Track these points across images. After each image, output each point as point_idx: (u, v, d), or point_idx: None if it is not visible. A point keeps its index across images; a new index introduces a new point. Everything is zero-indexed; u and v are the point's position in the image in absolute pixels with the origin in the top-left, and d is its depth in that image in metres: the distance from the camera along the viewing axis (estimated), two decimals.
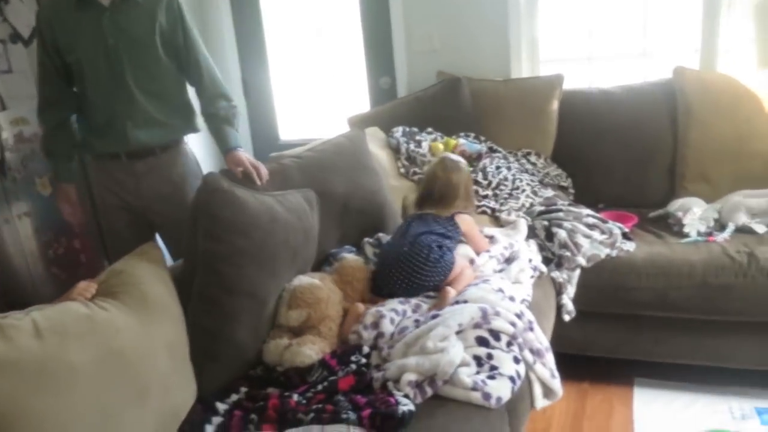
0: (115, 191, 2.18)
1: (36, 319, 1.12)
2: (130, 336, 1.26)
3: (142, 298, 1.35)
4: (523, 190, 2.48)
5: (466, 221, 2.02)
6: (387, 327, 1.65)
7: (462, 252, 1.96)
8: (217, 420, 1.38)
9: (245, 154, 2.04)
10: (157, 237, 2.32)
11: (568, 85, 2.74)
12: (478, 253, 2.00)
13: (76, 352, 1.14)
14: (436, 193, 2.03)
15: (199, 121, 2.27)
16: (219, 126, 2.15)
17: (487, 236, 2.08)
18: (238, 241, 1.57)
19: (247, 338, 1.59)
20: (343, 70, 3.34)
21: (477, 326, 1.56)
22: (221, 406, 1.43)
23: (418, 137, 2.66)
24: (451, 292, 1.76)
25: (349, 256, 1.93)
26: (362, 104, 3.26)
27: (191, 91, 2.24)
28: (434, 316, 1.62)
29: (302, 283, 1.70)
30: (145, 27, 2.01)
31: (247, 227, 1.59)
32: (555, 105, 2.71)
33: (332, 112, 3.39)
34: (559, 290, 2.09)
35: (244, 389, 1.50)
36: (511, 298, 1.72)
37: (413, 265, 1.81)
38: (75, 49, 2.03)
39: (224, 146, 2.12)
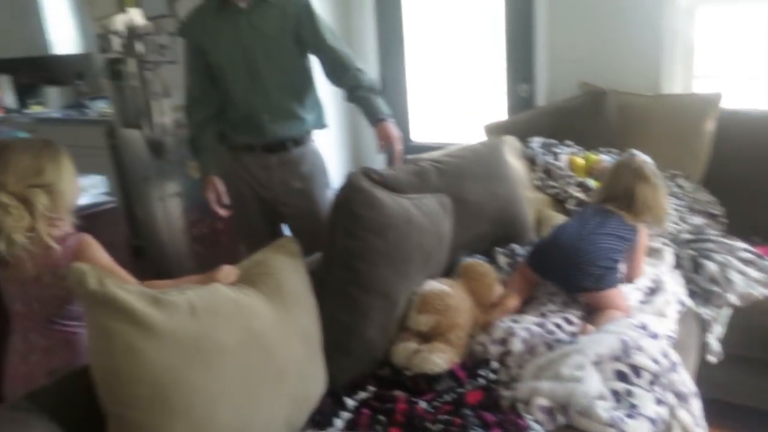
0: (248, 182, 2.31)
1: (192, 299, 1.20)
2: (268, 321, 1.32)
3: (278, 287, 1.40)
4: (669, 216, 2.33)
5: (643, 239, 1.93)
6: (516, 346, 1.61)
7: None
8: (345, 415, 1.42)
9: (394, 127, 2.09)
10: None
11: (726, 104, 2.53)
12: (630, 279, 1.91)
13: (225, 331, 1.21)
14: (636, 198, 1.90)
15: (328, 117, 2.38)
16: (365, 95, 2.18)
17: None
18: (374, 240, 1.60)
19: (377, 336, 1.62)
20: (481, 74, 3.31)
21: (616, 359, 1.48)
22: (350, 402, 1.47)
23: (556, 149, 2.58)
24: (590, 329, 1.69)
25: (470, 258, 1.92)
26: (498, 110, 3.21)
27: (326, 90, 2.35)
28: (571, 342, 1.56)
29: (433, 288, 1.70)
30: (276, 25, 2.13)
31: (383, 227, 1.62)
32: (710, 125, 2.52)
33: (466, 116, 3.37)
34: (705, 328, 1.94)
35: (372, 388, 1.53)
36: (654, 336, 1.62)
37: (578, 263, 1.77)
38: (215, 49, 2.19)
39: (374, 116, 2.14)
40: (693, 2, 2.67)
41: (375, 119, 2.12)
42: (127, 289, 1.11)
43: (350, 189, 1.63)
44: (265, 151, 2.25)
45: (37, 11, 4.43)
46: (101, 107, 4.21)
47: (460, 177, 1.97)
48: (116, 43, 3.17)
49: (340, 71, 2.19)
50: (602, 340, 1.52)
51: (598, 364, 1.47)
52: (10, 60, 4.78)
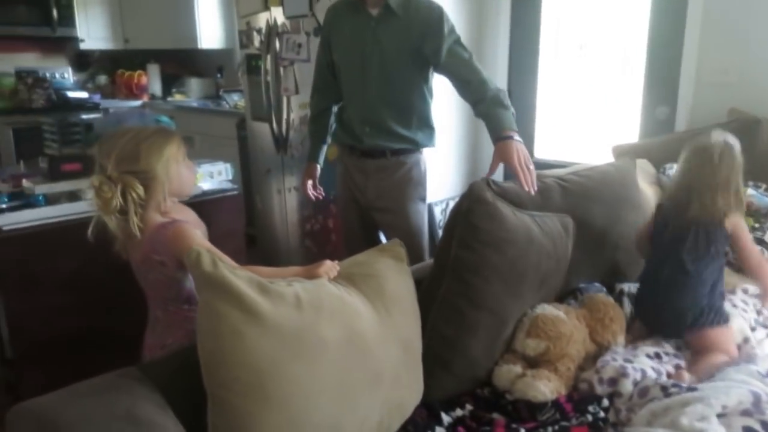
0: (348, 184, 2.34)
1: (298, 291, 1.21)
2: (369, 322, 1.30)
3: (380, 290, 1.37)
4: None
5: (740, 226, 1.66)
6: (627, 388, 1.49)
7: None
8: (440, 430, 1.37)
9: (520, 145, 1.81)
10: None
11: None
12: (752, 271, 1.71)
13: (327, 327, 1.21)
14: (701, 188, 1.66)
15: (438, 140, 2.30)
16: (488, 110, 1.94)
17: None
18: (491, 255, 1.55)
19: (481, 355, 1.56)
20: (615, 92, 3.13)
21: (746, 413, 1.33)
22: (446, 418, 1.42)
23: None
24: (685, 376, 1.53)
25: (601, 294, 1.79)
26: (630, 132, 3.02)
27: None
28: (690, 389, 1.41)
29: (546, 312, 1.61)
30: (399, 40, 2.08)
31: (502, 243, 1.56)
32: None
33: (595, 136, 3.20)
34: None
35: (469, 407, 1.47)
36: None
37: (668, 293, 1.68)
38: (339, 49, 2.22)
39: (495, 132, 1.88)
40: None
41: (496, 136, 1.87)
42: (237, 274, 1.13)
43: (472, 200, 1.58)
44: (364, 155, 2.25)
45: (190, 7, 4.77)
46: (235, 100, 4.45)
47: (585, 198, 1.86)
48: (256, 39, 3.33)
49: (464, 85, 2.07)
50: (729, 390, 1.37)
51: (723, 417, 1.32)
52: (160, 51, 5.21)
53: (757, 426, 1.30)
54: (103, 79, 5.26)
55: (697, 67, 2.73)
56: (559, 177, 1.89)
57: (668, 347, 1.69)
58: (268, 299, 1.14)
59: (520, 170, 1.73)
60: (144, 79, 5.22)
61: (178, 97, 5.17)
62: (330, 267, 1.39)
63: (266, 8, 3.23)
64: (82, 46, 4.92)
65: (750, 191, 2.28)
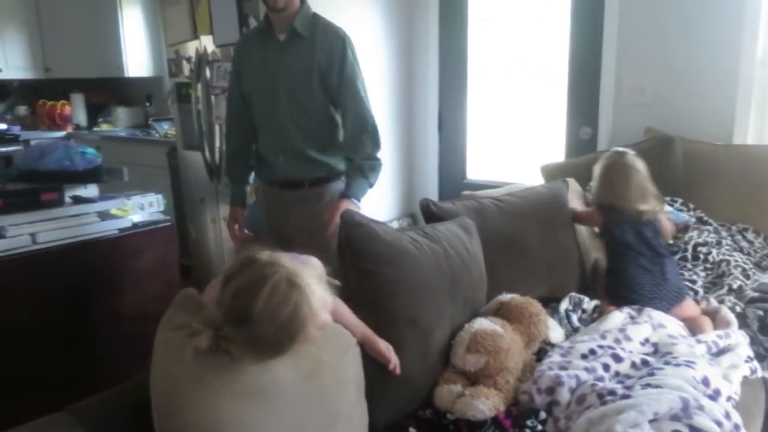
0: (271, 216, 2.33)
1: None
2: (327, 365, 1.29)
3: (337, 329, 1.37)
4: (730, 273, 2.21)
5: (665, 221, 2.11)
6: (563, 396, 1.53)
7: None
8: None
9: (353, 207, 2.05)
10: None
11: None
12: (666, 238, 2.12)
13: (287, 370, 1.18)
14: (638, 190, 2.04)
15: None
16: (351, 172, 2.18)
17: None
18: (386, 269, 1.55)
19: (415, 370, 1.55)
20: (542, 114, 3.26)
21: (675, 418, 1.38)
22: None
23: None
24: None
25: (512, 296, 1.83)
26: (556, 152, 3.15)
27: None
28: (624, 396, 1.47)
29: (484, 327, 1.64)
30: (305, 63, 2.08)
31: (391, 256, 1.56)
32: None
33: (523, 156, 3.32)
34: None
35: (413, 429, 1.47)
36: (715, 394, 1.51)
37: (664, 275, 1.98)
38: (249, 77, 2.20)
39: (345, 190, 2.17)
40: None
41: (343, 193, 2.16)
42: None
43: (348, 225, 1.57)
44: (283, 187, 2.24)
45: (115, 34, 4.66)
46: (165, 129, 4.36)
47: (521, 218, 1.92)
48: (186, 67, 3.29)
49: (344, 133, 2.16)
50: (661, 396, 1.43)
51: (655, 422, 1.38)
52: (84, 80, 5.05)
53: (685, 429, 1.36)
54: (22, 109, 5.05)
55: (615, 89, 2.89)
56: (495, 198, 1.95)
57: (604, 342, 1.74)
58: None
59: (335, 222, 1.91)
60: (67, 109, 5.03)
61: (104, 127, 5.01)
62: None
63: (195, 37, 3.20)
64: (0, 75, 4.72)
65: (667, 207, 2.41)
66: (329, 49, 2.08)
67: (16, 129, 4.61)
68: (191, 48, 3.29)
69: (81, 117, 5.14)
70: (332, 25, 2.13)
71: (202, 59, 3.18)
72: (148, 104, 5.12)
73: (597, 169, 2.15)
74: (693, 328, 1.87)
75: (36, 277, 2.07)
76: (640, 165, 2.08)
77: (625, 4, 2.80)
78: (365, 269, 1.53)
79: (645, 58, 2.80)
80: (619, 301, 1.97)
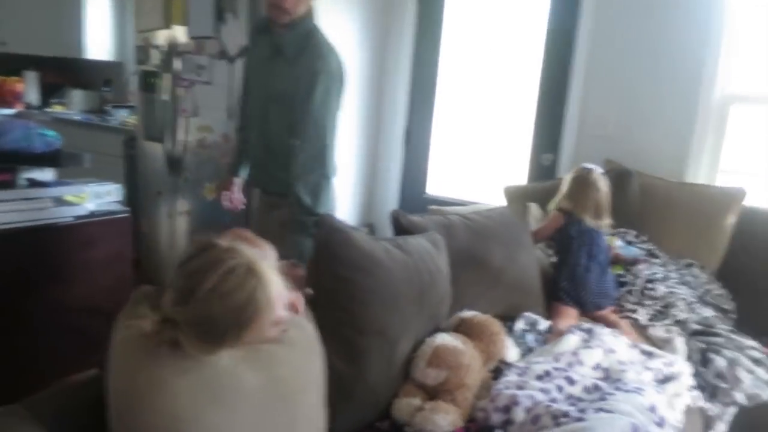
0: (259, 217, 2.33)
1: None
2: (290, 368, 1.27)
3: (302, 334, 1.36)
4: (676, 305, 2.31)
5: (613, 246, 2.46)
6: (518, 415, 1.55)
7: None
8: None
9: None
10: None
11: (748, 201, 2.55)
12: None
13: (249, 373, 1.16)
14: (601, 207, 2.32)
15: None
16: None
17: (645, 352, 1.94)
18: (362, 278, 1.55)
19: (379, 381, 1.56)
20: (505, 137, 3.34)
21: None
22: None
23: None
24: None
25: (473, 313, 1.85)
26: (518, 175, 3.23)
27: None
28: (578, 419, 1.51)
29: (445, 342, 1.66)
30: (279, 83, 1.98)
31: (366, 264, 1.57)
32: (731, 219, 2.53)
33: (484, 176, 3.39)
34: (708, 424, 1.90)
35: None
36: (661, 421, 1.58)
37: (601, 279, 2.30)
38: (249, 68, 2.18)
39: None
40: (727, 99, 2.72)
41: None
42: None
43: (327, 230, 1.57)
44: (263, 190, 2.24)
45: (76, 13, 4.50)
46: (123, 116, 4.23)
47: (486, 237, 1.96)
48: (155, 56, 3.21)
49: (294, 157, 1.97)
50: (613, 422, 1.48)
51: None
52: (39, 57, 4.84)
53: None
54: None
55: (579, 119, 2.99)
56: (463, 215, 1.98)
57: (558, 364, 1.78)
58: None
59: None
60: (19, 86, 4.79)
61: (57, 108, 4.82)
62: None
63: (167, 26, 3.13)
64: None
65: (618, 242, 2.50)
66: (297, 82, 1.93)
67: None
68: (161, 36, 3.21)
69: (33, 96, 4.91)
70: (318, 51, 1.95)
71: (172, 49, 3.11)
72: (105, 89, 4.96)
73: (565, 179, 2.42)
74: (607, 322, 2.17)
75: None
76: (602, 184, 2.35)
77: (596, 39, 2.91)
78: (340, 276, 1.53)
79: (610, 93, 2.91)
80: (568, 295, 2.26)
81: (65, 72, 5.10)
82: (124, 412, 1.05)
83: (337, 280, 1.53)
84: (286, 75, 1.96)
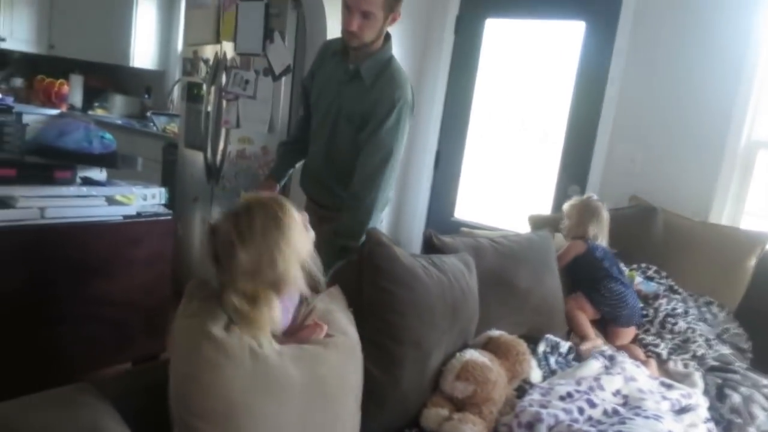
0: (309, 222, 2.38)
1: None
2: (332, 369, 1.36)
3: (345, 339, 1.45)
4: (695, 341, 2.37)
5: None
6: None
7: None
8: None
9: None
10: None
11: None
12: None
13: (295, 368, 1.26)
14: (600, 228, 2.50)
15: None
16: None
17: (664, 383, 2.00)
18: (401, 292, 1.64)
19: (411, 388, 1.65)
20: (533, 166, 3.43)
21: None
22: None
23: None
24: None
25: (500, 333, 1.93)
26: (544, 205, 3.31)
27: None
28: None
29: (474, 358, 1.74)
30: (354, 106, 2.03)
31: (407, 278, 1.65)
32: (752, 262, 2.59)
33: (511, 203, 3.48)
34: None
35: None
36: None
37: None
38: (315, 90, 2.18)
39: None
40: (754, 145, 2.80)
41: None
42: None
43: (372, 244, 1.67)
44: (312, 201, 2.27)
45: (127, 22, 4.71)
46: (164, 123, 4.39)
47: (514, 260, 2.04)
48: (203, 69, 3.36)
49: (353, 180, 2.03)
50: None
51: None
52: (85, 62, 5.05)
53: None
54: (19, 81, 5.01)
55: (607, 154, 3.08)
56: (491, 239, 2.07)
57: (581, 387, 1.85)
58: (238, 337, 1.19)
59: None
60: (65, 89, 5.02)
61: (99, 112, 5.01)
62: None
63: (217, 41, 3.29)
64: (2, 45, 4.70)
65: (638, 278, 2.57)
66: (374, 106, 1.99)
67: (10, 100, 4.58)
68: (208, 50, 3.37)
69: (77, 98, 5.13)
70: (397, 80, 2.01)
71: (220, 63, 3.26)
72: (146, 96, 5.15)
73: (567, 208, 2.60)
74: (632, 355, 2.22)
75: (37, 251, 2.10)
76: (605, 211, 2.56)
77: (627, 79, 3.01)
78: (382, 287, 1.62)
79: (639, 130, 3.00)
80: (604, 310, 2.38)
81: (109, 77, 5.31)
82: (186, 396, 1.16)
83: (379, 291, 1.63)
84: (363, 98, 2.01)
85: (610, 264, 2.43)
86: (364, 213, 2.00)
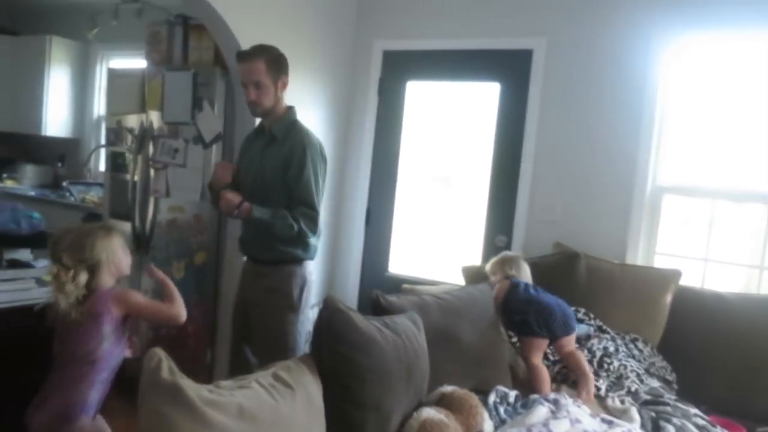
0: (241, 282, 2.53)
1: (240, 401, 1.27)
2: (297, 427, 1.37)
3: (309, 400, 1.47)
4: (628, 377, 2.52)
5: None
6: None
7: None
8: None
9: (245, 207, 2.32)
10: None
11: (682, 281, 2.84)
12: None
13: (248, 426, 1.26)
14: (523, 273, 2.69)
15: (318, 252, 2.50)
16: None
17: (605, 420, 2.11)
18: (360, 357, 1.68)
19: None
20: (462, 219, 3.58)
21: None
22: None
23: None
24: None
25: (453, 388, 1.99)
26: (474, 255, 3.44)
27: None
28: None
29: (431, 416, 1.78)
30: (275, 161, 2.37)
31: (365, 344, 1.70)
32: (668, 298, 2.81)
33: (443, 256, 3.59)
34: None
35: None
36: None
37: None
38: (242, 163, 2.52)
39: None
40: (658, 190, 3.07)
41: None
42: (188, 384, 1.17)
43: (329, 311, 1.72)
44: (249, 258, 2.52)
45: (38, 90, 4.56)
46: (83, 193, 4.24)
47: (458, 315, 2.12)
48: (128, 138, 3.30)
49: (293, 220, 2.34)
50: None
51: None
52: None
53: None
54: None
55: (529, 204, 3.27)
56: (435, 295, 2.15)
57: (534, 428, 1.91)
58: (214, 410, 1.18)
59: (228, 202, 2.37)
60: None
61: (9, 183, 4.77)
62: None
63: (143, 111, 3.25)
64: None
65: None
66: (291, 151, 2.36)
67: None
68: (133, 120, 3.32)
69: None
70: (302, 132, 2.41)
71: (146, 133, 3.22)
72: (60, 164, 4.95)
73: (489, 267, 2.76)
74: (575, 364, 2.45)
75: None
76: (522, 260, 2.75)
77: (541, 131, 3.24)
78: (341, 354, 1.65)
79: (556, 180, 3.22)
80: (538, 326, 2.44)
81: (18, 147, 5.08)
82: None
83: (339, 358, 1.66)
84: (280, 151, 2.38)
85: (532, 287, 2.60)
86: (311, 218, 2.35)
